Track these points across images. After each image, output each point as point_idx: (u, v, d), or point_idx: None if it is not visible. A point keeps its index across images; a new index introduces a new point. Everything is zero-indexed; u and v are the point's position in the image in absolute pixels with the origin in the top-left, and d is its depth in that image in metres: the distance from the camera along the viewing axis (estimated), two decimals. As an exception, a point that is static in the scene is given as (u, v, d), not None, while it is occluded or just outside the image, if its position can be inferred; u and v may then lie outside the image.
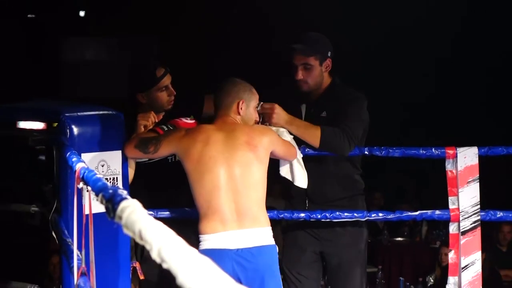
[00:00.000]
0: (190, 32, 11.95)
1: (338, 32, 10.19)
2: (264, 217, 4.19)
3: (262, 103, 4.53)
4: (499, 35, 11.19)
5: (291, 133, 4.59)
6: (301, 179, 4.61)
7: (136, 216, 1.75)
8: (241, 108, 4.32)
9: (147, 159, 4.46)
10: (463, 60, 11.37)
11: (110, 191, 2.16)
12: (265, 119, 4.55)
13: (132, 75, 4.86)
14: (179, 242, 1.52)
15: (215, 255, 4.05)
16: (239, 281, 4.07)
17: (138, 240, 1.69)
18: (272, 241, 4.18)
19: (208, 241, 4.12)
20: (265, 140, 4.24)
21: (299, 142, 4.63)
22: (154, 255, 1.56)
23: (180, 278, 1.41)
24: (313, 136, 4.57)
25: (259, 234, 4.14)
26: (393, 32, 11.14)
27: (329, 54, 4.76)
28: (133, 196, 4.11)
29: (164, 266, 1.51)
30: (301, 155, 4.60)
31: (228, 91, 4.35)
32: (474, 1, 11.07)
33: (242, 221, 4.12)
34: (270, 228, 4.20)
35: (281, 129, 4.54)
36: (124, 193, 2.13)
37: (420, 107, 11.81)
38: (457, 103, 11.63)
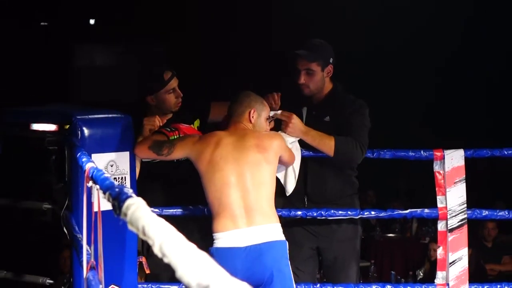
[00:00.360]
0: (192, 38, 11.94)
1: (345, 33, 10.18)
2: (272, 213, 4.19)
3: (281, 110, 4.56)
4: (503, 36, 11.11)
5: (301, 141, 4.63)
6: (290, 188, 4.66)
7: (140, 213, 1.76)
8: (253, 117, 4.35)
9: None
10: (469, 61, 11.30)
11: (117, 189, 2.17)
12: (281, 126, 4.58)
13: (142, 78, 4.90)
14: (179, 238, 1.53)
15: (225, 253, 4.08)
16: (249, 277, 4.07)
17: (141, 236, 1.70)
18: (281, 237, 4.18)
19: (220, 239, 4.13)
20: (275, 144, 4.26)
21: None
22: (156, 250, 1.57)
23: (179, 272, 1.42)
24: (328, 146, 4.59)
25: (268, 230, 4.14)
26: (398, 34, 11.07)
27: (331, 61, 4.77)
28: (146, 194, 4.15)
29: (165, 260, 1.52)
30: (299, 163, 4.62)
31: (241, 100, 4.39)
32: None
33: (251, 218, 4.12)
34: (279, 224, 4.21)
35: (284, 134, 4.56)
36: (130, 191, 2.14)
37: (422, 107, 11.76)
38: (460, 104, 11.58)
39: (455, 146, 4.79)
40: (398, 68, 11.40)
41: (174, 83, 4.75)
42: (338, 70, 4.84)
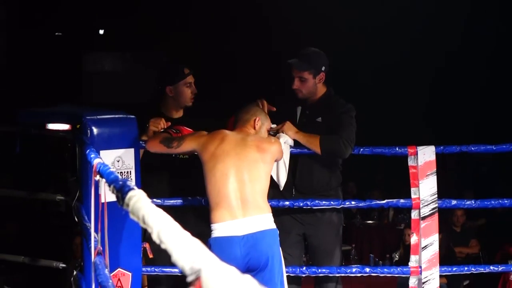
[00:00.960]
0: (192, 43, 11.90)
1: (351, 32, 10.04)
2: (265, 205, 4.19)
3: (275, 125, 4.63)
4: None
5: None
6: (282, 183, 4.67)
7: (140, 204, 1.75)
8: (257, 124, 4.38)
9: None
10: (466, 63, 11.20)
11: (120, 182, 2.16)
12: (277, 128, 4.63)
13: (163, 70, 4.93)
14: (175, 226, 1.52)
15: (224, 242, 4.07)
16: (247, 262, 4.09)
17: (141, 224, 1.69)
18: (273, 226, 4.18)
19: (218, 229, 4.11)
20: (273, 148, 4.29)
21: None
22: (154, 237, 1.56)
23: (175, 257, 1.40)
24: (315, 145, 4.59)
25: (261, 220, 4.13)
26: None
27: (323, 69, 4.77)
28: (150, 186, 4.13)
29: (162, 246, 1.51)
30: (288, 158, 4.62)
31: (248, 109, 4.43)
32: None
33: (246, 209, 4.11)
34: (271, 214, 4.21)
35: (282, 134, 4.61)
36: (132, 184, 2.13)
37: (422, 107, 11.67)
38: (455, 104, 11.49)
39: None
40: (400, 69, 11.25)
41: (191, 78, 4.80)
42: (340, 71, 4.82)
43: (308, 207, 4.67)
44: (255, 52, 11.42)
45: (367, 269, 4.78)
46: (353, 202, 4.83)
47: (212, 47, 11.88)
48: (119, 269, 4.09)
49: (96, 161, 3.02)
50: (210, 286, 1.24)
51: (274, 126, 4.62)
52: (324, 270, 4.66)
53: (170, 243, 1.44)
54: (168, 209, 3.36)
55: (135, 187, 2.04)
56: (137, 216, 1.70)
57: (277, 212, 4.70)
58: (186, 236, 1.50)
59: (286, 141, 4.60)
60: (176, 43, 11.82)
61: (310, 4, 10.74)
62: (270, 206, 4.33)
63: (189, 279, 1.35)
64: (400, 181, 5.87)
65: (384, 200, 4.80)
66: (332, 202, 4.68)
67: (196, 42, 11.94)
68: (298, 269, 4.63)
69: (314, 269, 4.66)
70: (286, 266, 4.38)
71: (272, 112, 4.64)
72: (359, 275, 4.74)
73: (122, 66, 13.17)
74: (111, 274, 3.79)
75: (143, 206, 1.71)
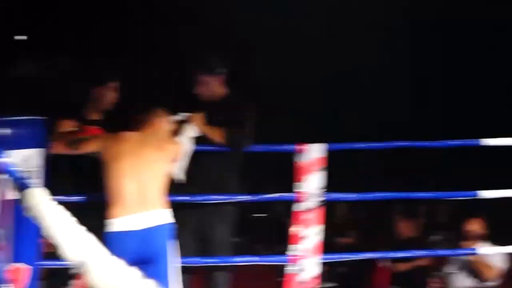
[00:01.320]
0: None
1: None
2: (162, 201, 4.19)
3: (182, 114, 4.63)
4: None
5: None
6: (179, 177, 4.67)
7: (35, 201, 1.74)
8: (158, 124, 4.35)
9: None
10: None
11: (20, 181, 2.15)
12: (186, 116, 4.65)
13: (90, 72, 4.89)
14: (67, 222, 1.52)
15: (119, 236, 4.06)
16: (140, 255, 4.04)
17: (35, 220, 1.68)
18: (168, 220, 4.19)
19: (114, 224, 4.10)
20: (173, 148, 4.31)
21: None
22: (44, 232, 1.55)
23: (60, 250, 1.41)
24: (220, 137, 4.63)
25: (156, 215, 4.14)
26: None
27: (222, 71, 4.83)
28: (56, 184, 4.04)
29: (50, 241, 1.51)
30: (188, 155, 4.64)
31: (149, 109, 4.39)
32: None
33: (142, 205, 4.11)
34: (168, 209, 4.21)
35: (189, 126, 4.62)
36: (33, 182, 2.12)
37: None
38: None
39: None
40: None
41: (115, 84, 4.73)
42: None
43: (205, 201, 4.68)
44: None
45: (254, 258, 4.83)
46: (246, 197, 4.86)
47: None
48: (17, 263, 3.99)
49: (0, 161, 2.97)
50: (94, 278, 1.26)
51: (183, 114, 4.62)
52: (215, 260, 4.69)
53: (56, 238, 1.44)
54: (71, 206, 3.32)
55: (34, 185, 2.03)
56: (31, 212, 1.70)
57: (175, 207, 4.71)
58: (77, 231, 1.50)
59: (190, 132, 4.61)
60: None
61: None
62: (169, 201, 4.34)
63: (73, 271, 1.36)
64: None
65: (271, 194, 4.85)
66: (227, 197, 4.70)
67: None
68: (192, 260, 4.63)
69: (207, 259, 4.68)
70: (183, 257, 4.39)
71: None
72: (248, 264, 4.78)
73: (43, 70, 12.89)
74: (10, 268, 3.71)
75: (37, 203, 1.71)
